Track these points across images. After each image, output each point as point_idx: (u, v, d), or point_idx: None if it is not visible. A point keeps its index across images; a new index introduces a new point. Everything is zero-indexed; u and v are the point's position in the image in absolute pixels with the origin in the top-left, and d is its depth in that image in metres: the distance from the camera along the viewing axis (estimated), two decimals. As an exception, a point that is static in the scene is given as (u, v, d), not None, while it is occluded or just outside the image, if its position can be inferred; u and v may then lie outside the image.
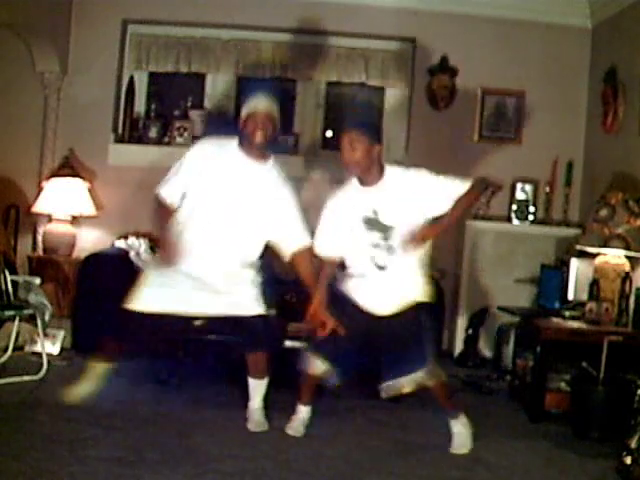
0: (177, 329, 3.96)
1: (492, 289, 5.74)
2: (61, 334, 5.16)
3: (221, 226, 3.89)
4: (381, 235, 3.77)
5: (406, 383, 3.74)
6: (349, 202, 3.85)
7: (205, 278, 3.86)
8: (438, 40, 6.04)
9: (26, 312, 4.71)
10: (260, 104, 3.94)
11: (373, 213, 3.77)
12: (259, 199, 3.94)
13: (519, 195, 5.92)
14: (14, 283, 4.82)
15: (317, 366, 3.87)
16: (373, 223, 3.78)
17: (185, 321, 3.87)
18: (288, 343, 4.77)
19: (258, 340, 3.99)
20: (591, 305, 4.58)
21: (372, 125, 3.91)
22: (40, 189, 5.78)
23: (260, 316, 3.94)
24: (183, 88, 6.41)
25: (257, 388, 4.10)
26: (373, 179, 3.79)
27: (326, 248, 3.92)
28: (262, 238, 4.02)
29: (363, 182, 3.81)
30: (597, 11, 5.84)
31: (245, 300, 3.92)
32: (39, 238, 5.90)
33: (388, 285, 3.80)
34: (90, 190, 5.84)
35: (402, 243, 3.71)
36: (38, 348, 4.83)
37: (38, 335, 4.81)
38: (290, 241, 4.01)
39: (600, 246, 4.63)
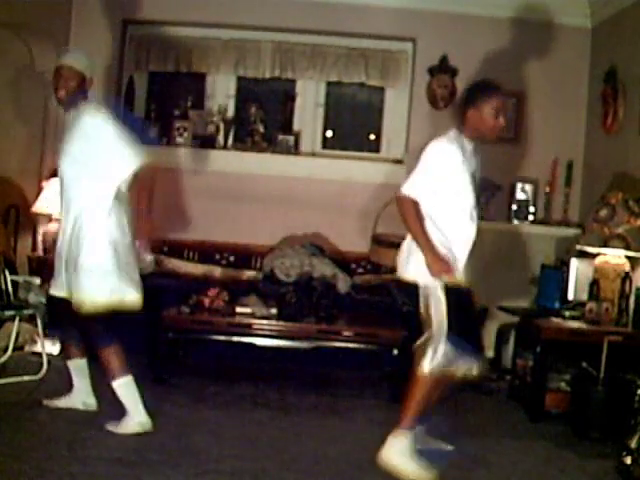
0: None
1: (492, 289, 5.73)
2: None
3: (64, 187, 3.94)
4: (475, 196, 3.70)
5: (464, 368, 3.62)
6: (460, 153, 3.65)
7: (63, 252, 3.88)
8: (438, 40, 6.04)
9: (26, 312, 4.72)
10: (62, 59, 3.97)
11: (474, 172, 3.71)
12: (78, 146, 3.87)
13: (519, 195, 5.92)
14: (14, 283, 4.82)
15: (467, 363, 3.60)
16: (473, 182, 3.70)
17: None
18: (289, 343, 4.78)
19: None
20: (591, 305, 4.58)
21: None
22: (40, 189, 5.78)
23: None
24: (183, 88, 6.42)
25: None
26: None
27: (422, 191, 3.62)
28: (100, 181, 3.85)
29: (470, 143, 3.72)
30: (597, 11, 5.84)
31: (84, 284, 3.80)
32: (39, 238, 5.89)
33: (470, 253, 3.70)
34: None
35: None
36: (38, 348, 4.83)
37: (38, 335, 4.82)
38: (119, 169, 3.85)
39: (600, 246, 4.63)
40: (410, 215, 3.60)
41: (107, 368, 3.82)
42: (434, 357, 3.55)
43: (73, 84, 3.90)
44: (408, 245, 3.71)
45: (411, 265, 3.67)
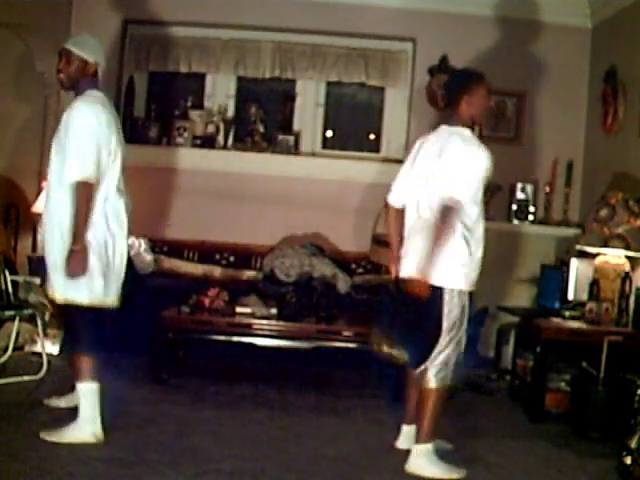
0: None
1: (492, 289, 5.73)
2: (61, 334, 5.16)
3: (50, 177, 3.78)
4: None
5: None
6: None
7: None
8: (438, 40, 6.04)
9: (26, 312, 4.72)
10: (65, 43, 3.88)
11: None
12: (59, 135, 3.80)
13: (519, 195, 5.92)
14: (14, 283, 4.82)
15: None
16: None
17: None
18: (289, 343, 4.78)
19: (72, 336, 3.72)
20: (591, 305, 4.58)
21: None
22: (40, 189, 5.78)
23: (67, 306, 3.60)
24: (183, 88, 6.42)
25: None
26: None
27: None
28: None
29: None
30: (597, 11, 5.84)
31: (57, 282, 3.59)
32: (39, 238, 5.89)
33: None
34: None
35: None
36: (38, 348, 4.83)
37: (38, 335, 4.82)
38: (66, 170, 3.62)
39: (600, 246, 4.63)
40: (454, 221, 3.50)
41: (76, 368, 3.62)
42: (443, 369, 3.57)
43: (72, 68, 3.82)
44: (423, 247, 3.54)
45: (437, 268, 3.50)
